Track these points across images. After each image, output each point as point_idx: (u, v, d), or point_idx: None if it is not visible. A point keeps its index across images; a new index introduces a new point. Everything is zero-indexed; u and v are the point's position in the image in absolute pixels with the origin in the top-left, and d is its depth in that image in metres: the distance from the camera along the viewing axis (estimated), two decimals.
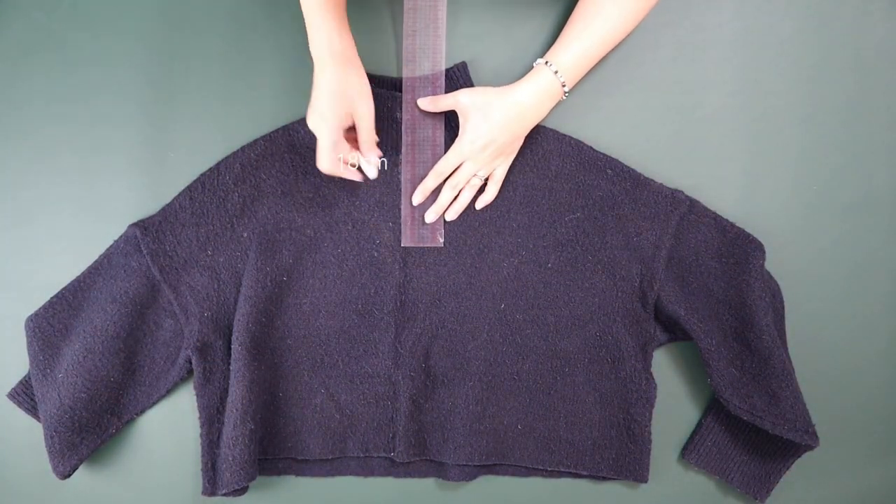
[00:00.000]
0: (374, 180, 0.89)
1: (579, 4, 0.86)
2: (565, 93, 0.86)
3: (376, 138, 0.86)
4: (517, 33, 0.92)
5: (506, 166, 0.88)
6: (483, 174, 0.88)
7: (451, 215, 0.90)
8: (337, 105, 0.81)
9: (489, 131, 0.84)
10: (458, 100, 0.86)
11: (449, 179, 0.88)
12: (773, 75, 0.93)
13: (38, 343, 0.88)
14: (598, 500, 0.93)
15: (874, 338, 0.94)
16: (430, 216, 0.89)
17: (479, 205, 0.90)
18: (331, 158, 0.83)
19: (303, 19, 0.82)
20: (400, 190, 0.90)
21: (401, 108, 0.90)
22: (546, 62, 0.85)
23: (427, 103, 0.88)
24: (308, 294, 0.90)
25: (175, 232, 0.89)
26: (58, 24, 0.92)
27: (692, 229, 0.90)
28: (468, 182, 0.88)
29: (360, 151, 0.85)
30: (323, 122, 0.82)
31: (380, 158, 0.86)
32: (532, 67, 0.86)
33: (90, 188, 0.92)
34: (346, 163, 0.84)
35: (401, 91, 0.90)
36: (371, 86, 0.88)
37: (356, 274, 0.90)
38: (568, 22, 0.87)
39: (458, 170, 0.88)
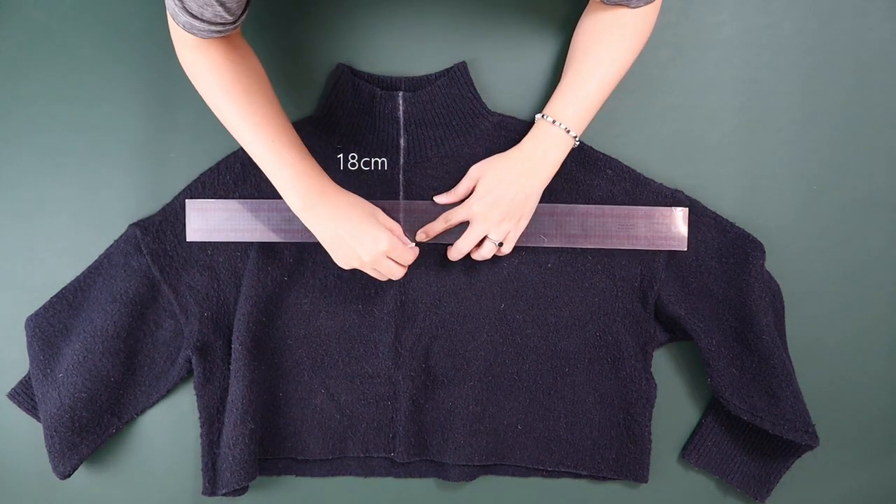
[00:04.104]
0: (374, 181, 0.90)
1: (571, 52, 0.86)
2: (575, 138, 0.84)
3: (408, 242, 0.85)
4: (517, 33, 0.92)
5: (518, 231, 0.85)
6: (495, 237, 0.84)
7: (453, 255, 0.86)
8: (366, 232, 0.81)
9: (497, 186, 0.83)
10: (469, 175, 0.87)
11: (447, 220, 0.86)
12: (773, 75, 0.93)
13: (38, 343, 0.88)
14: (598, 500, 0.93)
15: (874, 338, 0.94)
16: (420, 236, 0.88)
17: (482, 254, 0.86)
18: (408, 253, 0.83)
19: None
20: (400, 190, 0.90)
21: (401, 109, 0.90)
22: (544, 116, 0.84)
23: (444, 197, 0.88)
24: (308, 294, 0.90)
25: (175, 232, 0.89)
26: (58, 25, 0.92)
27: (692, 229, 0.90)
28: (477, 244, 0.85)
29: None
30: (374, 243, 0.80)
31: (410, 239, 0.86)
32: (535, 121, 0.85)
33: (90, 188, 0.92)
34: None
35: (401, 90, 0.90)
36: (371, 86, 0.88)
37: (356, 274, 0.89)
38: (564, 72, 0.86)
39: (469, 230, 0.85)
